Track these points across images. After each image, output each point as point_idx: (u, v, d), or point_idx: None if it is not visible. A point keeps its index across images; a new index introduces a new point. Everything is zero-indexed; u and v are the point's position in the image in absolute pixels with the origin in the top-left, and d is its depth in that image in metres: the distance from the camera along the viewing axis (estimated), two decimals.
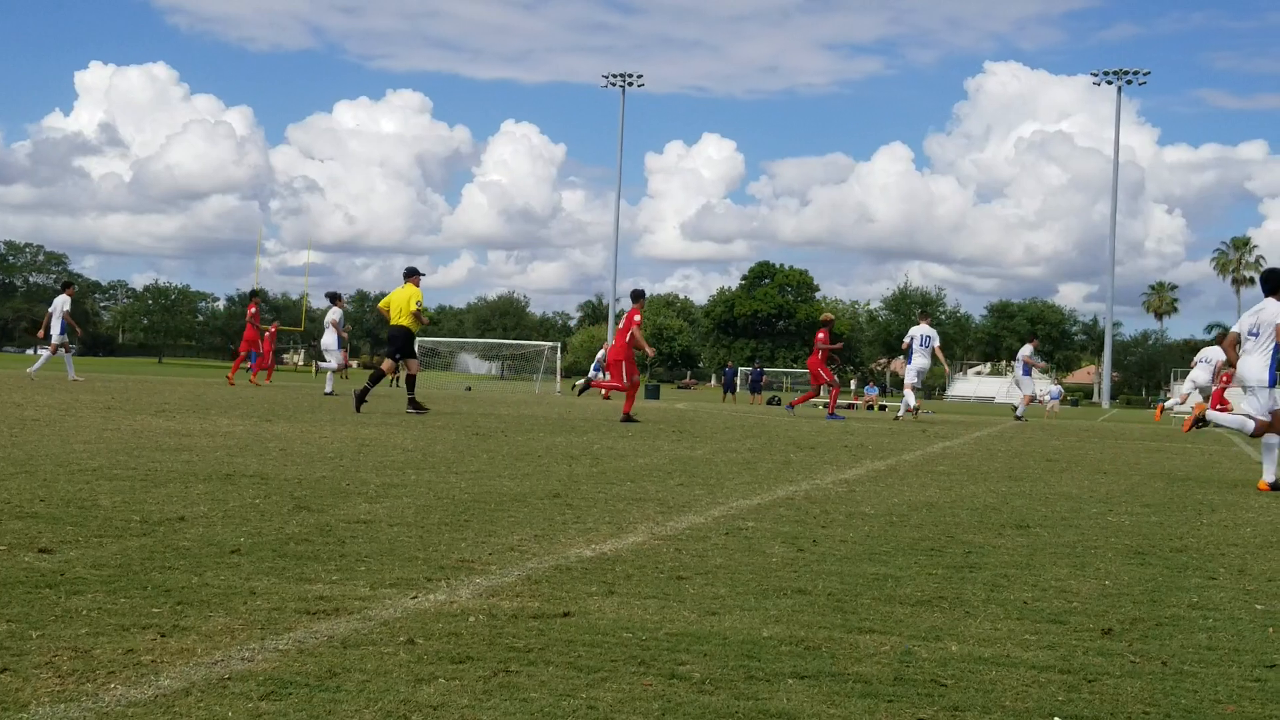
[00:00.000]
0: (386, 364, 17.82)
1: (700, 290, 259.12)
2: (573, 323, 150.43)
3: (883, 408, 34.99)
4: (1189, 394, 27.93)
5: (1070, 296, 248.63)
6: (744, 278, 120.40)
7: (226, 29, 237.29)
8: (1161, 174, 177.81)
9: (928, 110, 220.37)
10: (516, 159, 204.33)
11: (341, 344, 25.38)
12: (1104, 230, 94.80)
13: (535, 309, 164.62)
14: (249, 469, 8.10)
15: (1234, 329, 10.77)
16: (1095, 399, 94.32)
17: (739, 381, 60.14)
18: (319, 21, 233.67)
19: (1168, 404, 28.08)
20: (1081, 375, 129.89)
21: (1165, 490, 9.75)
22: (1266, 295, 10.50)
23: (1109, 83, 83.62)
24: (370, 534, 5.51)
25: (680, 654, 3.54)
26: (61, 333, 25.55)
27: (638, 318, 18.65)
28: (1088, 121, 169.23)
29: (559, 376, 51.35)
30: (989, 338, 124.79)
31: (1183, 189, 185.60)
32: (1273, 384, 10.30)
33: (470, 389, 26.08)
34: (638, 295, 19.28)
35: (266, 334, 32.24)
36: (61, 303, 25.60)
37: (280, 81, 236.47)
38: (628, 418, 17.75)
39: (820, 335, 24.02)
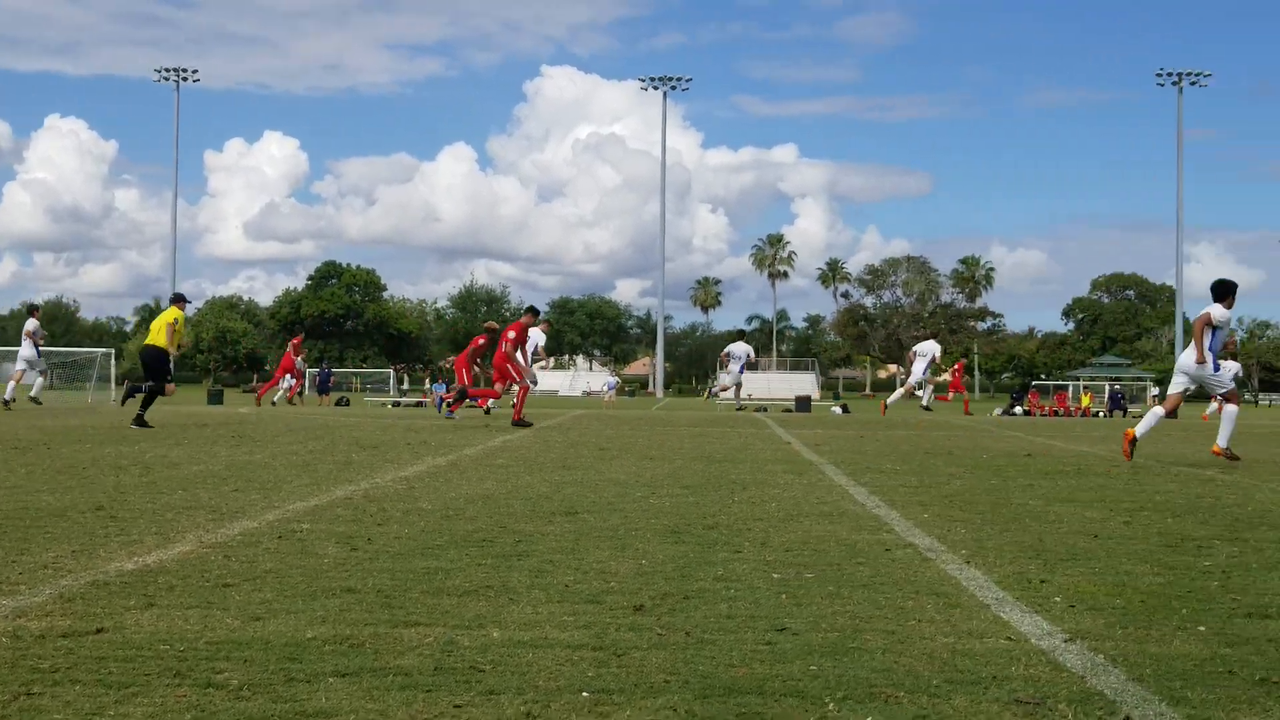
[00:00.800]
0: (169, 387, 17.28)
1: (266, 291, 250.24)
2: (129, 328, 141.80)
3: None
4: (914, 385, 31.10)
5: (626, 292, 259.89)
6: (310, 278, 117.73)
7: None
8: (706, 175, 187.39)
9: (490, 112, 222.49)
10: (63, 155, 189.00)
11: (38, 353, 25.75)
12: (655, 229, 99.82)
13: (87, 314, 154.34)
14: None
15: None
16: (650, 389, 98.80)
17: (307, 383, 58.90)
18: None
19: (889, 400, 31.31)
20: (637, 367, 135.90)
21: (704, 471, 10.43)
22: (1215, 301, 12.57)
23: (655, 88, 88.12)
24: None
25: (219, 662, 3.50)
26: None
27: (513, 334, 19.55)
28: (638, 125, 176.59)
29: (114, 385, 48.54)
30: (552, 333, 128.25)
31: (725, 189, 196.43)
32: (1215, 369, 12.60)
33: (13, 401, 24.21)
34: (532, 310, 20.92)
35: None
36: None
37: None
38: (519, 422, 18.73)
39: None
